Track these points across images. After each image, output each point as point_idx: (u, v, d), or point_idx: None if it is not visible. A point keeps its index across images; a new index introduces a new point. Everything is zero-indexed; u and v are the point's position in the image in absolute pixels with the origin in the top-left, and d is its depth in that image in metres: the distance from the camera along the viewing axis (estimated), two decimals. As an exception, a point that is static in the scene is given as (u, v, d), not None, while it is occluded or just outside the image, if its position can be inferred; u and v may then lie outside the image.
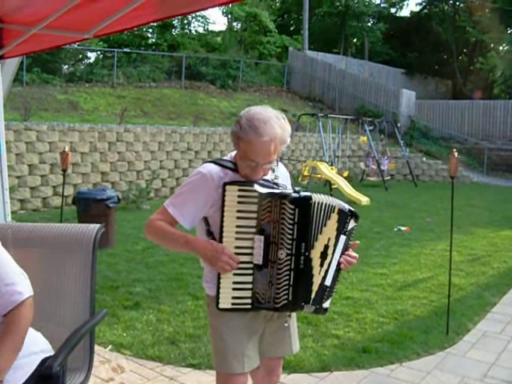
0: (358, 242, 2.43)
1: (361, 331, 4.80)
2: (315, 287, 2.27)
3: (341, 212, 2.26)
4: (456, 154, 4.92)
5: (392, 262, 7.53)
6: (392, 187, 17.83)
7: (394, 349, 4.38)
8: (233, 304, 2.26)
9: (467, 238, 9.32)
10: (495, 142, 23.10)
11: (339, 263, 2.32)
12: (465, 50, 34.31)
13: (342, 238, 2.28)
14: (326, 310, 2.37)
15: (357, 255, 2.41)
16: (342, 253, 2.33)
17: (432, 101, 26.62)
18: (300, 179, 15.94)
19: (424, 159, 21.86)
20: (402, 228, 10.13)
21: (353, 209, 2.32)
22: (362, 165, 19.88)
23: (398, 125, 22.03)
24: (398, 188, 18.26)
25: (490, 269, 7.25)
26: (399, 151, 20.81)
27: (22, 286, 2.16)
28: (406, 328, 4.89)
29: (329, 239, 2.25)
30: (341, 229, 2.27)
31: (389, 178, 19.15)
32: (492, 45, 30.69)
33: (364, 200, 13.83)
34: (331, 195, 2.48)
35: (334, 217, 2.25)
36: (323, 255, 2.25)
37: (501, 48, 32.22)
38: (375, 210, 12.72)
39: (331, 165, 16.85)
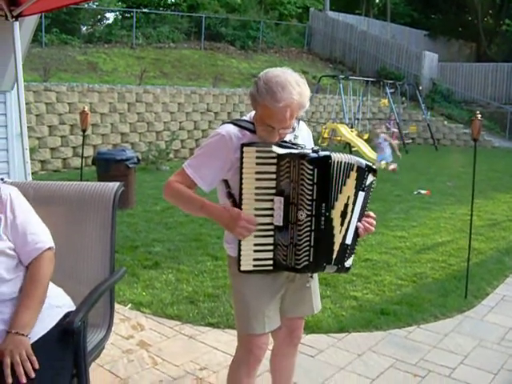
0: (371, 213, 2.38)
1: (379, 293, 4.81)
2: (336, 247, 2.24)
3: (359, 169, 2.21)
4: (479, 116, 4.84)
5: (411, 225, 7.50)
6: (412, 151, 17.64)
7: (412, 311, 4.39)
8: (254, 266, 2.24)
9: (488, 202, 9.23)
10: (519, 106, 22.60)
11: (357, 228, 2.29)
12: (490, 11, 33.28)
13: (361, 194, 2.24)
14: (348, 268, 2.34)
15: (374, 222, 2.37)
16: (362, 209, 2.28)
17: (455, 63, 26.00)
18: (320, 141, 15.85)
19: (445, 123, 21.53)
20: (422, 191, 10.07)
21: (370, 163, 2.27)
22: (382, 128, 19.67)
23: (420, 88, 21.62)
24: (419, 152, 18.06)
25: (511, 234, 7.18)
26: (420, 114, 20.54)
27: (46, 236, 2.25)
28: (424, 291, 4.89)
29: (348, 197, 2.21)
30: (359, 185, 2.23)
31: (410, 141, 18.92)
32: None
33: (383, 163, 13.72)
34: None
35: (353, 175, 2.20)
36: (343, 214, 2.22)
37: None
38: (395, 173, 12.63)
39: (351, 127, 16.69)
